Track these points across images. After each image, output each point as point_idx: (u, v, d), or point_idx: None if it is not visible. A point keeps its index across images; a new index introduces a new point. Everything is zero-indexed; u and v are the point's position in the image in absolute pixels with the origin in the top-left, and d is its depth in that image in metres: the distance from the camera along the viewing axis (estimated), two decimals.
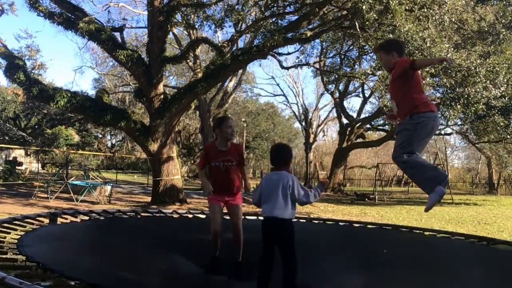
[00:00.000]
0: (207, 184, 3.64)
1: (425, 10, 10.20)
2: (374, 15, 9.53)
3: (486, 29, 13.86)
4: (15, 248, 3.25)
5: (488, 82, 10.65)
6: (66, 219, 4.89)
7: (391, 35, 9.89)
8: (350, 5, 10.87)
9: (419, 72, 3.30)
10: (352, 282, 3.10)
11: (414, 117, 3.03)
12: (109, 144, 46.92)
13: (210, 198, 3.67)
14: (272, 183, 2.92)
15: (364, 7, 9.24)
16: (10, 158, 24.74)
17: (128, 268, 2.84)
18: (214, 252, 3.55)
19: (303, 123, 40.42)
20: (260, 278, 2.78)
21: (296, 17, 12.98)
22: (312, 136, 40.01)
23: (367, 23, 10.03)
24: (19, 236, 3.70)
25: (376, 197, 19.33)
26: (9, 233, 3.87)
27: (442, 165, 24.94)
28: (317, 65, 21.67)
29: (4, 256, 3.03)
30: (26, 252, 3.04)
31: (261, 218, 3.19)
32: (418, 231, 5.39)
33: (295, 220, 3.19)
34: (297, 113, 41.40)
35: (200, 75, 12.89)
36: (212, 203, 3.69)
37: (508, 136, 15.50)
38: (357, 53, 18.40)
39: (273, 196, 2.84)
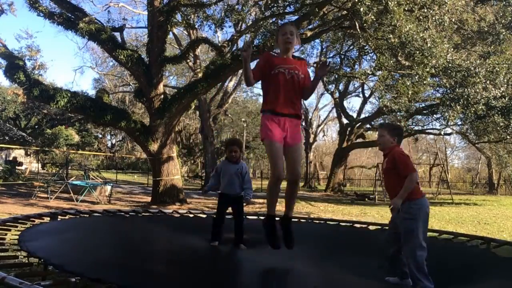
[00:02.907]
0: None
1: (425, 10, 10.20)
2: (372, 17, 9.53)
3: (486, 29, 13.86)
4: (16, 244, 3.25)
5: (488, 82, 10.65)
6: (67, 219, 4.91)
7: (391, 35, 9.89)
8: (349, 5, 10.87)
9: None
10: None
11: (411, 204, 3.12)
12: (109, 144, 46.94)
13: (269, 128, 2.92)
14: None
15: (362, 9, 9.24)
16: (10, 158, 24.73)
17: (129, 263, 2.84)
18: (275, 197, 3.04)
19: (303, 123, 40.45)
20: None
21: (296, 17, 12.98)
22: (312, 136, 40.04)
23: (364, 24, 10.04)
24: (20, 232, 3.71)
25: (376, 197, 19.32)
26: (9, 230, 3.88)
27: (442, 165, 24.93)
28: None
29: (4, 254, 3.04)
30: (27, 247, 3.04)
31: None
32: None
33: None
34: None
35: (200, 75, 12.90)
36: (273, 140, 2.90)
37: (508, 136, 15.50)
38: (357, 53, 18.41)
39: None
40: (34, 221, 4.48)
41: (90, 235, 4.00)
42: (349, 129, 26.34)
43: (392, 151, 3.32)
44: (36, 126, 36.01)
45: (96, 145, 39.59)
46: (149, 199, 13.14)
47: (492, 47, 13.56)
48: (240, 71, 25.05)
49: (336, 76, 19.30)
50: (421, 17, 10.32)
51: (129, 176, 34.44)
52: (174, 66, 25.51)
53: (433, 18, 10.16)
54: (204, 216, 5.77)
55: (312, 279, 2.77)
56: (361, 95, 27.81)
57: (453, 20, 11.09)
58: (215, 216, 4.24)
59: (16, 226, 4.08)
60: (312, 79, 3.18)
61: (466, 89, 10.61)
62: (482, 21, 13.41)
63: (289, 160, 3.03)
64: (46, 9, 11.70)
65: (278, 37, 3.14)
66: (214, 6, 13.32)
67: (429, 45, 9.58)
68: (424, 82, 10.43)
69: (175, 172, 12.50)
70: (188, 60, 19.96)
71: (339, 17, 12.84)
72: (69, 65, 78.17)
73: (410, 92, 10.72)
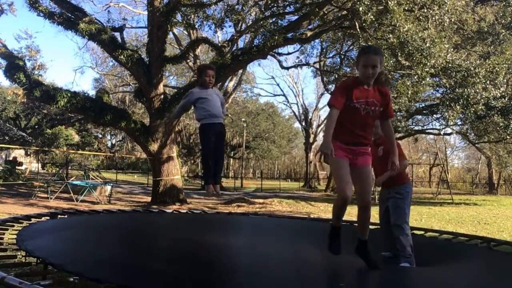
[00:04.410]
0: (329, 140, 2.74)
1: (425, 10, 10.21)
2: (372, 17, 9.54)
3: (486, 29, 13.88)
4: (14, 244, 3.24)
5: (488, 82, 10.67)
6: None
7: (390, 35, 9.90)
8: (349, 5, 10.88)
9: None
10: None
11: (401, 187, 3.69)
12: (109, 144, 46.97)
13: (335, 149, 2.73)
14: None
15: (361, 8, 9.25)
16: (10, 158, 24.73)
17: (128, 262, 2.83)
18: (339, 222, 2.95)
19: (303, 123, 40.46)
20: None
21: (296, 17, 12.99)
22: (312, 136, 40.03)
23: (363, 24, 10.05)
24: (18, 231, 3.70)
25: (376, 197, 19.33)
26: (7, 230, 3.87)
27: (442, 165, 24.94)
28: (317, 65, 21.67)
29: (3, 254, 3.03)
30: (26, 247, 3.04)
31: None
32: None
33: None
34: (297, 113, 41.50)
35: None
36: (338, 157, 2.77)
37: (508, 136, 15.51)
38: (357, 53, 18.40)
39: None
40: (31, 220, 4.47)
41: (89, 234, 3.99)
42: None
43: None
44: (36, 126, 36.01)
45: (96, 145, 39.62)
46: (149, 199, 13.14)
47: (492, 47, 13.59)
48: (240, 71, 25.13)
49: (336, 76, 19.31)
50: (421, 17, 10.33)
51: (129, 176, 34.46)
52: (174, 66, 25.53)
53: (433, 18, 10.17)
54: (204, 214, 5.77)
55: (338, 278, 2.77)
56: None
57: (453, 20, 11.10)
58: (206, 152, 3.70)
59: (13, 226, 4.08)
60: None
61: (466, 89, 10.62)
62: (482, 21, 13.43)
63: (360, 182, 2.90)
64: (46, 9, 11.70)
65: (359, 64, 2.85)
66: (214, 6, 13.33)
67: (428, 44, 9.59)
68: (424, 82, 10.44)
69: (175, 172, 12.50)
70: (188, 60, 19.98)
71: (339, 17, 12.85)
72: (69, 65, 78.35)
73: (410, 92, 10.73)
